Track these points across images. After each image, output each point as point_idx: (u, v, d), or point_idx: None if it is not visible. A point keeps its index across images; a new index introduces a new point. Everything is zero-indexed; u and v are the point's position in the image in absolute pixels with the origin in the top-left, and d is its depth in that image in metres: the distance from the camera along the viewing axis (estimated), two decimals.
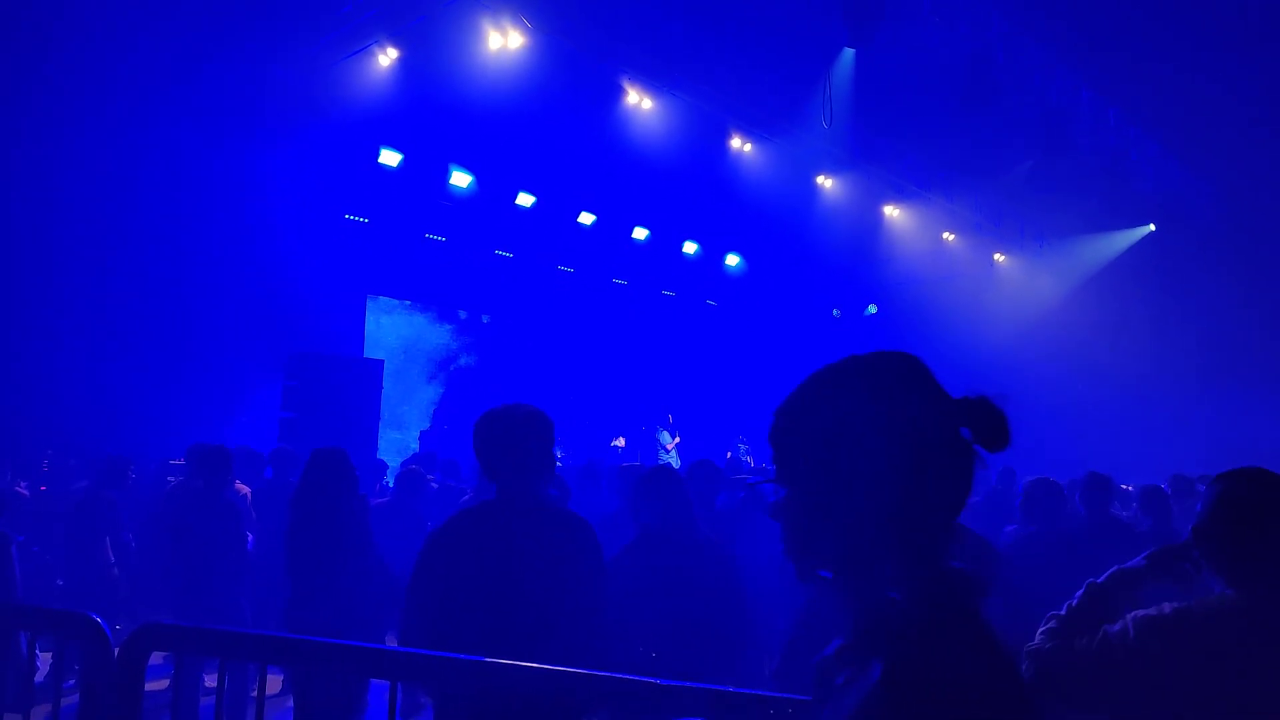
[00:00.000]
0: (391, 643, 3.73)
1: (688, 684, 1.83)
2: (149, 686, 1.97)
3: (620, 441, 15.26)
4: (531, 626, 2.50)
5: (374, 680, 3.49)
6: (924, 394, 1.20)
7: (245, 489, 5.99)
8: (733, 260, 17.69)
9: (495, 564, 2.59)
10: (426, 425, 13.62)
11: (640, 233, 15.69)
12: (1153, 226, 17.24)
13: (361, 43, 10.06)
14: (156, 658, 2.01)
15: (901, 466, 1.11)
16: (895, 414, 1.15)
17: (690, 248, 16.68)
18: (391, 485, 7.32)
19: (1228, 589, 1.96)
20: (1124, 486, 7.92)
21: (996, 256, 18.09)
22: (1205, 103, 13.45)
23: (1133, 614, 1.95)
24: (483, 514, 2.75)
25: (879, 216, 15.70)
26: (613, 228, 15.29)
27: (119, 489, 5.96)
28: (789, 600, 4.83)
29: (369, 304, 13.79)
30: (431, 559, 2.69)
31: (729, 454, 15.35)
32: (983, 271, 18.16)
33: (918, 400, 1.18)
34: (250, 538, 5.34)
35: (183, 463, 7.51)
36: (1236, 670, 1.82)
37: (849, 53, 10.91)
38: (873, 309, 20.06)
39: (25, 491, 6.97)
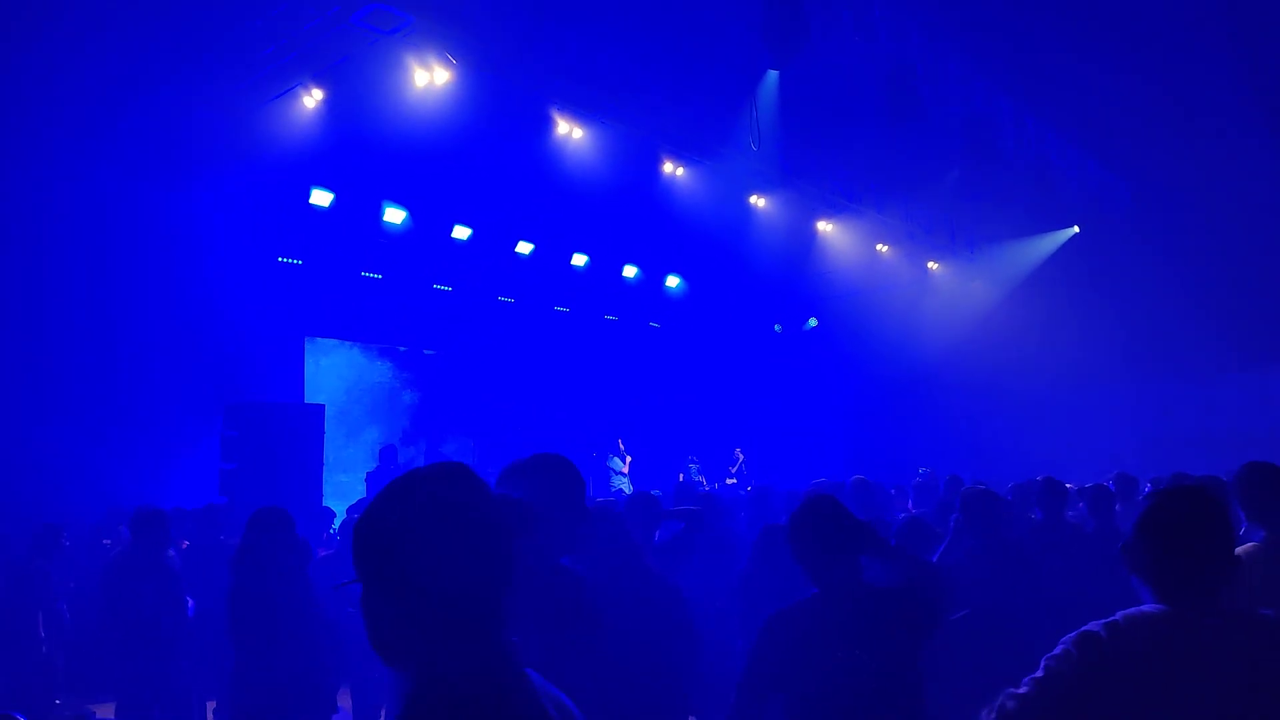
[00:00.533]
0: (345, 701, 3.64)
1: None
2: None
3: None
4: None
5: None
6: (425, 499, 1.37)
7: (184, 543, 5.79)
8: (673, 282, 17.78)
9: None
10: (373, 466, 13.37)
11: (579, 259, 15.69)
12: (1077, 229, 17.76)
13: (286, 84, 9.92)
14: None
15: (417, 565, 1.32)
16: (403, 524, 1.35)
17: (630, 271, 16.72)
18: (338, 534, 7.16)
19: (1157, 604, 2.04)
20: (1067, 485, 8.07)
21: (930, 265, 18.46)
22: (1121, 104, 13.94)
23: (1067, 636, 1.99)
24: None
25: (813, 232, 15.92)
26: (551, 256, 15.26)
27: (51, 559, 5.72)
28: (738, 633, 4.84)
29: (308, 345, 13.54)
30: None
31: (681, 476, 15.36)
32: (918, 280, 18.52)
33: (417, 508, 1.36)
34: (191, 603, 5.17)
35: (121, 527, 7.27)
36: (1164, 684, 1.89)
37: (773, 74, 11.09)
38: (813, 322, 20.30)
39: None
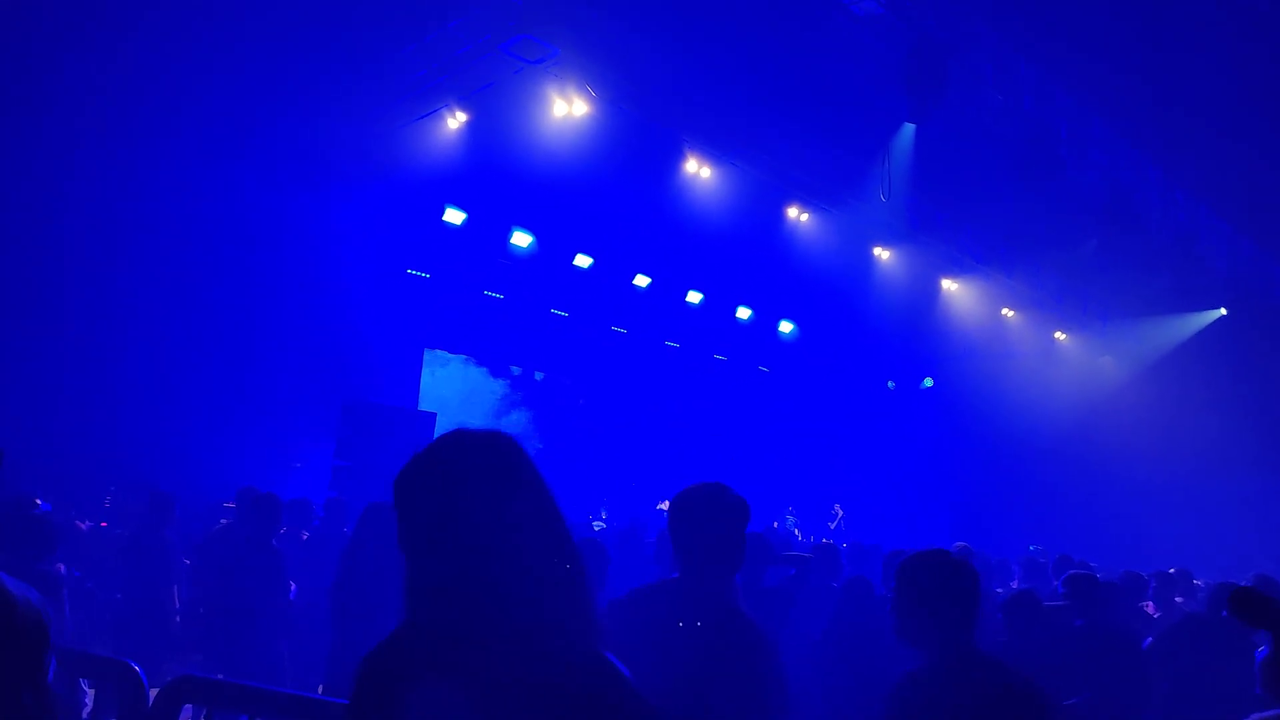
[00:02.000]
0: None
1: None
2: None
3: (666, 505, 15.13)
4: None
5: None
6: None
7: (304, 535, 6.04)
8: (786, 327, 17.65)
9: (664, 651, 2.46)
10: None
11: (694, 296, 15.78)
12: (1224, 310, 16.78)
13: (432, 105, 10.40)
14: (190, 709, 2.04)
15: None
16: None
17: (744, 313, 16.69)
18: None
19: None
20: (1195, 582, 7.58)
21: (1057, 335, 17.76)
22: (1276, 181, 13.17)
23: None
24: (664, 596, 2.67)
25: (936, 289, 15.57)
26: (667, 290, 15.40)
27: (170, 527, 6.05)
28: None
29: (426, 357, 14.02)
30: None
31: (775, 524, 15.11)
32: (1043, 349, 17.82)
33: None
34: (294, 587, 5.38)
35: (234, 505, 7.64)
36: None
37: (909, 127, 10.96)
38: (929, 382, 19.77)
39: (84, 526, 7.13)
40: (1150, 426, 15.79)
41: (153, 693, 2.04)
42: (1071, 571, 5.03)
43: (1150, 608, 6.69)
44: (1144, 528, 14.59)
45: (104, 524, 7.90)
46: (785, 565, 5.06)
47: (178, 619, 5.76)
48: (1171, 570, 7.19)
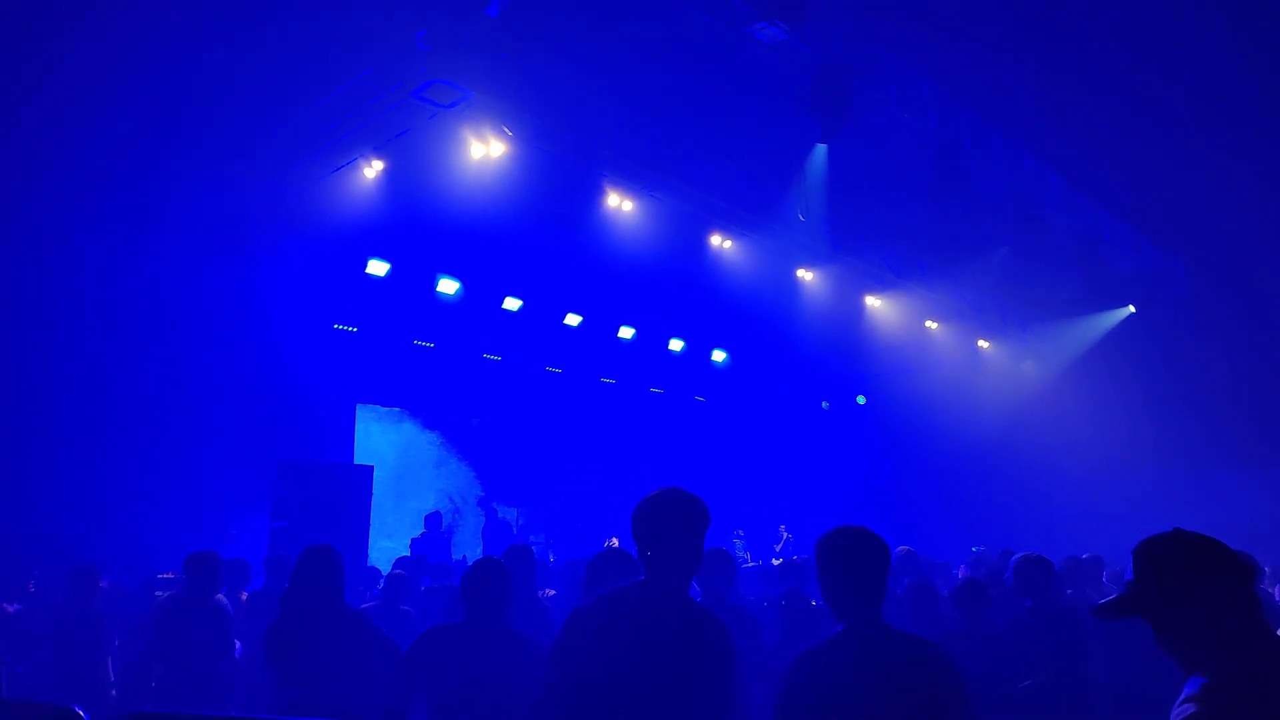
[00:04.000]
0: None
1: None
2: None
3: (614, 541, 15.02)
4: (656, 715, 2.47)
5: None
6: None
7: (243, 595, 5.84)
8: (719, 356, 17.82)
9: (637, 650, 2.57)
10: (419, 532, 13.40)
11: (626, 332, 15.84)
12: (1133, 308, 17.50)
13: (347, 156, 10.33)
14: None
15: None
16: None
17: (676, 345, 16.82)
18: (381, 591, 7.16)
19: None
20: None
21: (980, 343, 18.29)
22: (1175, 183, 13.86)
23: None
24: (630, 597, 2.73)
25: (861, 307, 15.92)
26: (599, 327, 15.44)
27: (96, 600, 5.78)
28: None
29: (359, 412, 13.76)
30: (575, 634, 2.70)
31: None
32: (968, 358, 18.32)
33: None
34: (238, 645, 5.19)
35: (170, 576, 7.36)
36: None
37: (821, 148, 11.27)
38: (861, 400, 20.12)
39: (11, 609, 6.78)
40: (1074, 424, 16.31)
41: None
42: (1019, 555, 5.16)
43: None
44: (1076, 521, 14.99)
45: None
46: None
47: (114, 693, 5.49)
48: (1085, 556, 7.39)
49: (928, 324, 17.09)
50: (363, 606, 6.06)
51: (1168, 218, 15.72)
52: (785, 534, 16.95)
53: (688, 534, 2.75)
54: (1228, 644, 1.96)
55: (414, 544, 12.46)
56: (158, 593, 7.23)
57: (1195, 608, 2.00)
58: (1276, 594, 6.98)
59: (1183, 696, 1.95)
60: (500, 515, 14.22)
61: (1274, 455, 15.49)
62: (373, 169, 10.42)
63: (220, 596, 5.27)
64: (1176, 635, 2.02)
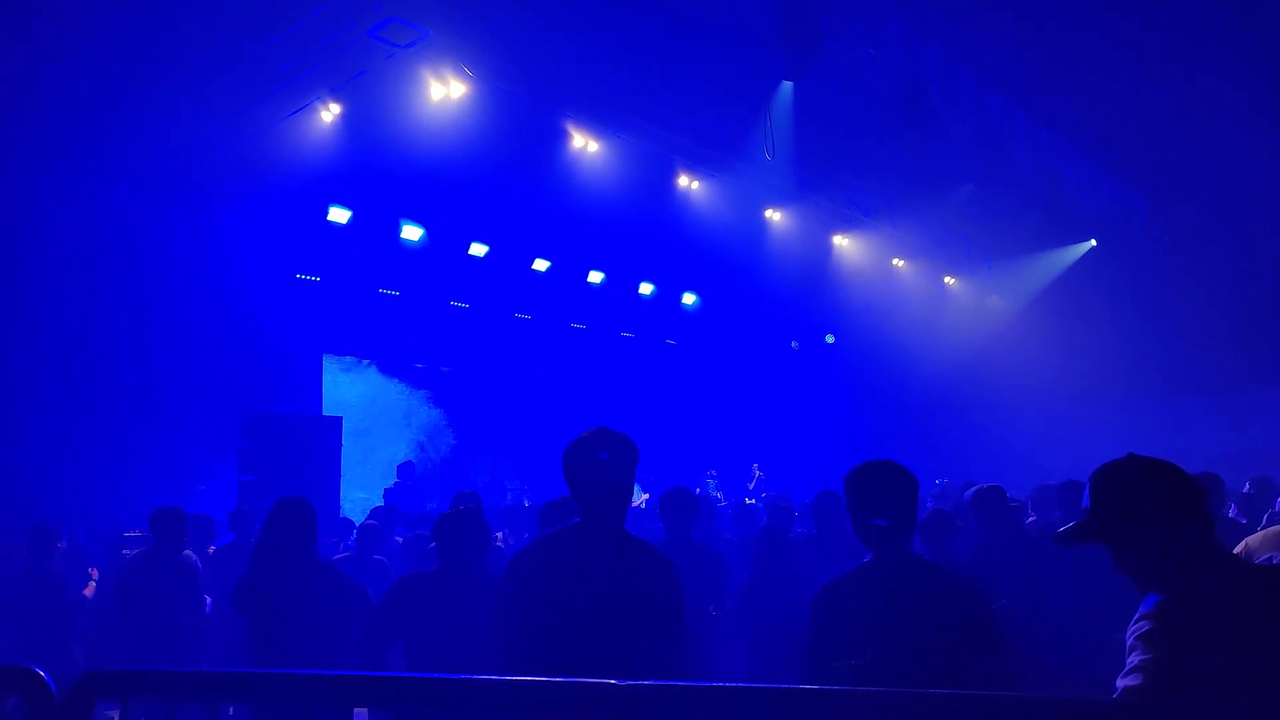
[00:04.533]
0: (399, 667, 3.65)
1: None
2: None
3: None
4: (607, 655, 2.51)
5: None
6: None
7: (209, 549, 5.80)
8: (689, 298, 17.80)
9: (578, 589, 2.61)
10: (391, 482, 13.39)
11: (595, 276, 15.75)
12: (1094, 242, 17.67)
13: (303, 99, 10.05)
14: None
15: None
16: None
17: (646, 288, 16.77)
18: (354, 542, 7.16)
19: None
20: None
21: (946, 279, 18.41)
22: (1134, 116, 13.89)
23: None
24: (567, 538, 2.78)
25: (829, 246, 15.92)
26: (568, 272, 15.33)
27: (53, 559, 5.72)
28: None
29: (325, 363, 13.61)
30: (515, 580, 2.74)
31: (698, 489, 15.28)
32: (935, 295, 18.46)
33: None
34: (209, 600, 5.17)
35: (137, 534, 7.29)
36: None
37: (787, 85, 11.13)
38: (830, 339, 20.24)
39: None
40: (1038, 357, 16.55)
41: None
42: (974, 488, 5.27)
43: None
44: (1041, 452, 15.29)
45: None
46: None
47: (82, 650, 5.47)
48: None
49: (895, 262, 17.15)
50: (336, 557, 6.06)
51: (1127, 153, 15.79)
52: (758, 472, 17.15)
53: (617, 472, 2.76)
54: (1181, 563, 2.03)
55: (387, 494, 12.45)
56: (125, 550, 7.17)
57: (1150, 530, 2.07)
58: (1230, 514, 7.20)
59: (1138, 614, 2.02)
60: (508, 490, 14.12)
61: (1232, 381, 15.83)
62: (330, 112, 10.16)
63: (188, 552, 5.23)
64: (1135, 557, 2.07)
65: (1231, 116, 13.67)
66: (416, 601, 3.61)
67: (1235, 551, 3.43)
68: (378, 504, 12.24)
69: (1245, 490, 6.56)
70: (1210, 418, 16.08)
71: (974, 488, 5.34)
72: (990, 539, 4.93)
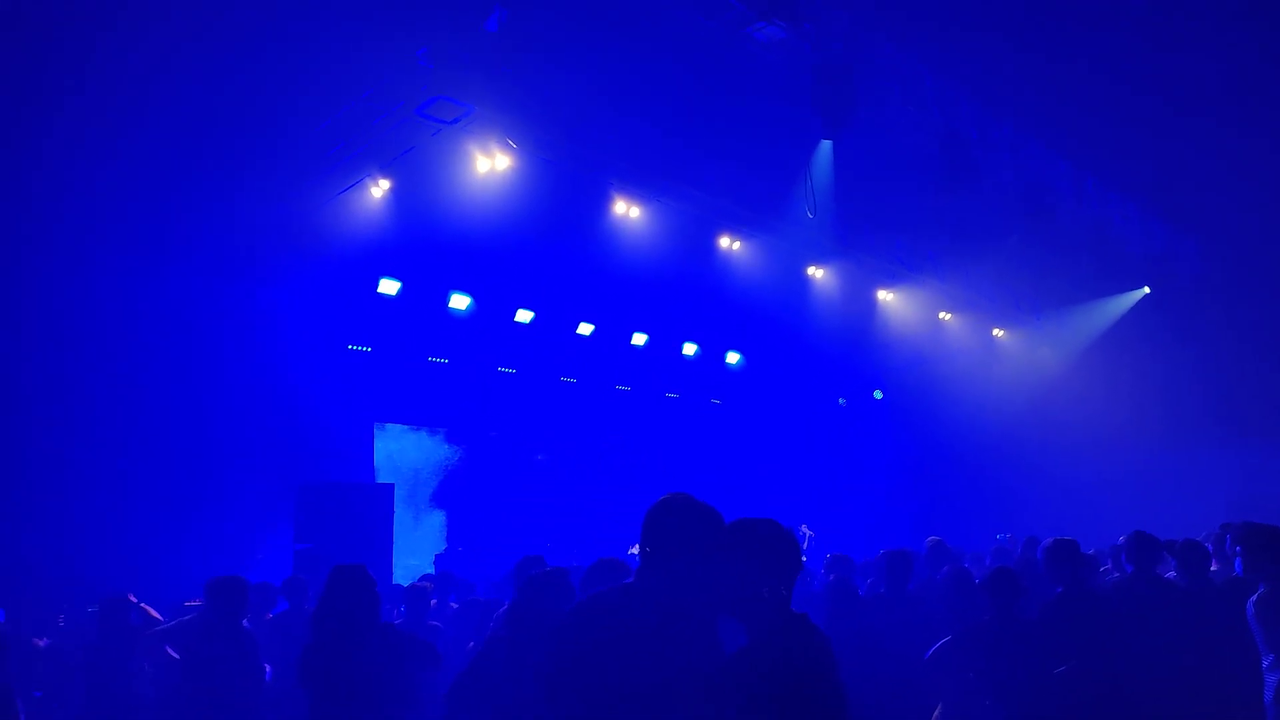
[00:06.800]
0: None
1: None
2: None
3: (636, 549, 14.98)
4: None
5: None
6: None
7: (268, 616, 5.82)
8: (733, 357, 17.78)
9: (620, 648, 2.60)
10: (441, 548, 13.42)
11: (639, 338, 15.83)
12: (1147, 289, 17.39)
13: (354, 177, 10.37)
14: None
15: None
16: None
17: (690, 349, 16.79)
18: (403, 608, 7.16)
19: None
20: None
21: (995, 332, 18.19)
22: (1181, 162, 13.77)
23: None
24: (616, 597, 2.78)
25: (873, 301, 15.86)
26: (612, 335, 15.44)
27: (120, 638, 5.78)
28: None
29: (376, 432, 13.78)
30: (566, 637, 2.73)
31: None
32: (984, 348, 18.22)
33: None
34: (268, 669, 5.19)
35: (197, 603, 7.36)
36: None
37: (826, 144, 11.24)
38: (878, 394, 20.03)
39: (42, 644, 6.80)
40: (1093, 408, 16.20)
41: None
42: (1049, 541, 5.12)
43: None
44: (1097, 504, 14.88)
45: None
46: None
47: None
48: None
49: (941, 315, 17.01)
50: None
51: (1176, 197, 15.64)
52: (807, 532, 16.87)
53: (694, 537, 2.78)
54: None
55: (437, 560, 12.47)
56: (182, 619, 7.23)
57: None
58: None
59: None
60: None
61: None
62: (379, 188, 10.46)
63: (245, 621, 5.26)
64: None
65: (1276, 155, 13.50)
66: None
67: None
68: (429, 570, 12.28)
69: None
70: (1271, 466, 15.55)
71: (1048, 541, 5.19)
72: (1062, 594, 4.78)
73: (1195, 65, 12.58)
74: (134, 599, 5.74)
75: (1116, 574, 6.15)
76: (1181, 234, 17.11)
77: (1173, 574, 5.91)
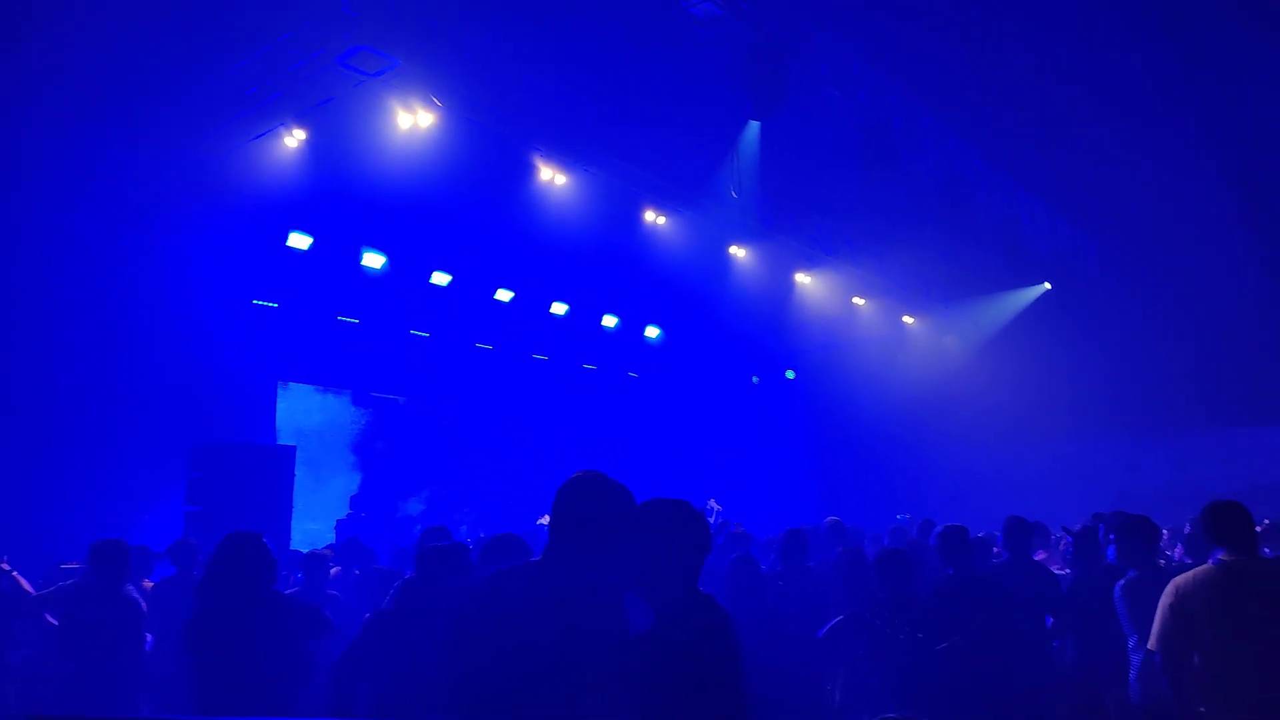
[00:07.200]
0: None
1: None
2: None
3: (546, 519, 14.92)
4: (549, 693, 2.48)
5: None
6: None
7: (146, 583, 5.58)
8: (652, 332, 17.80)
9: (526, 625, 2.56)
10: (344, 514, 13.11)
11: (559, 308, 15.69)
12: (1048, 285, 18.04)
13: (267, 124, 9.92)
14: None
15: None
16: None
17: (610, 321, 16.73)
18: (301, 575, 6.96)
19: None
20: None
21: (905, 318, 18.64)
22: (1089, 163, 14.27)
23: None
24: (522, 574, 2.73)
25: (791, 284, 16.06)
26: (531, 303, 15.25)
27: None
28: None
29: (280, 391, 13.34)
30: (470, 612, 2.68)
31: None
32: (893, 334, 18.67)
33: None
34: (149, 638, 4.96)
35: (74, 566, 7.02)
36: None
37: (754, 125, 11.26)
38: (790, 374, 20.36)
39: None
40: (993, 397, 16.80)
41: None
42: (941, 526, 5.29)
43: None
44: (996, 489, 15.47)
45: None
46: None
47: (12, 692, 5.20)
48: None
49: (855, 300, 17.34)
50: (286, 592, 5.88)
51: (1082, 198, 16.23)
52: (715, 506, 17.08)
53: (600, 517, 2.75)
54: None
55: (339, 526, 12.21)
56: (61, 584, 6.89)
57: None
58: (1176, 554, 7.33)
59: None
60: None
61: (1181, 422, 16.20)
62: (294, 138, 10.05)
63: (129, 587, 5.02)
64: None
65: (1180, 163, 14.10)
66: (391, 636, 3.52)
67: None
68: (329, 536, 12.00)
69: (1187, 531, 6.67)
70: (1157, 458, 16.43)
71: (940, 526, 5.37)
72: (952, 576, 4.97)
73: (1106, 71, 13.02)
74: (6, 566, 5.42)
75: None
76: (1085, 234, 17.78)
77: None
